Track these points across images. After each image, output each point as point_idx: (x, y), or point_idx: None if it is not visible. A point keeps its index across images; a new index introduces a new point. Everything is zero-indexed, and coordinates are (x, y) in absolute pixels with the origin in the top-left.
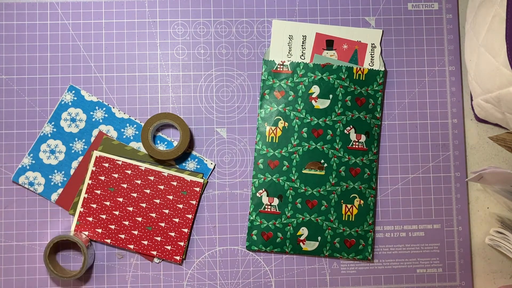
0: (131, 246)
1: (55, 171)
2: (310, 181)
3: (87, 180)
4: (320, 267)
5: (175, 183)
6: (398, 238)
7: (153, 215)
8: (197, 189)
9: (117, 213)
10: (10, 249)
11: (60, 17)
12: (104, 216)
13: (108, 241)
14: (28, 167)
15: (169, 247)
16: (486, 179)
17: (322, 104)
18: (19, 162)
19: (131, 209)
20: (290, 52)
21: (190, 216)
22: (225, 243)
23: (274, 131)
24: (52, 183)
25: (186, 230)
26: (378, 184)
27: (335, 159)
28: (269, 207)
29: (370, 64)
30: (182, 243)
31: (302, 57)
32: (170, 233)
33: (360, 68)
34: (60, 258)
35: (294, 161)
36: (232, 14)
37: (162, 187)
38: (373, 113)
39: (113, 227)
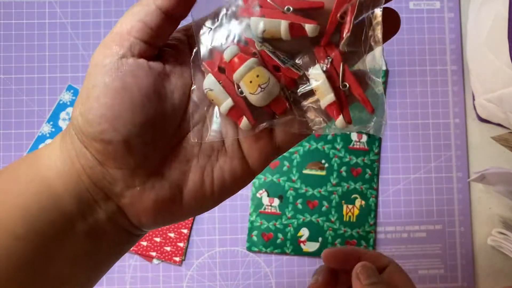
0: None
1: None
2: (310, 181)
3: None
4: None
5: None
6: (400, 239)
7: None
8: None
9: None
10: None
11: (59, 16)
12: None
13: None
14: None
15: (168, 248)
16: (488, 180)
17: None
18: None
19: None
20: None
21: None
22: (225, 244)
23: None
24: None
25: (185, 231)
26: (379, 185)
27: (336, 159)
28: (269, 207)
29: None
30: (181, 244)
31: None
32: (170, 234)
33: None
34: None
35: (295, 161)
36: None
37: None
38: None
39: None
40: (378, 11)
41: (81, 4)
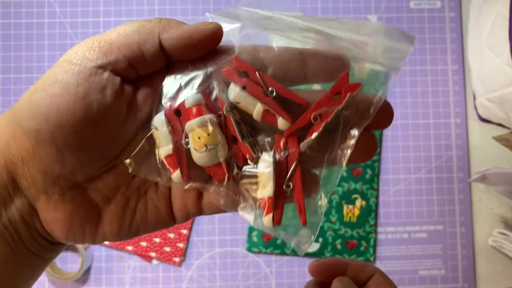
0: (130, 248)
1: None
2: None
3: None
4: None
5: None
6: (400, 240)
7: None
8: None
9: None
10: None
11: (58, 16)
12: None
13: (107, 242)
14: None
15: (168, 249)
16: (489, 180)
17: None
18: None
19: None
20: None
21: None
22: (225, 245)
23: None
24: None
25: (185, 232)
26: (380, 185)
27: None
28: None
29: None
30: (181, 245)
31: None
32: (169, 235)
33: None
34: (58, 260)
35: None
36: None
37: None
38: None
39: None
40: (355, 132)
41: (80, 3)
